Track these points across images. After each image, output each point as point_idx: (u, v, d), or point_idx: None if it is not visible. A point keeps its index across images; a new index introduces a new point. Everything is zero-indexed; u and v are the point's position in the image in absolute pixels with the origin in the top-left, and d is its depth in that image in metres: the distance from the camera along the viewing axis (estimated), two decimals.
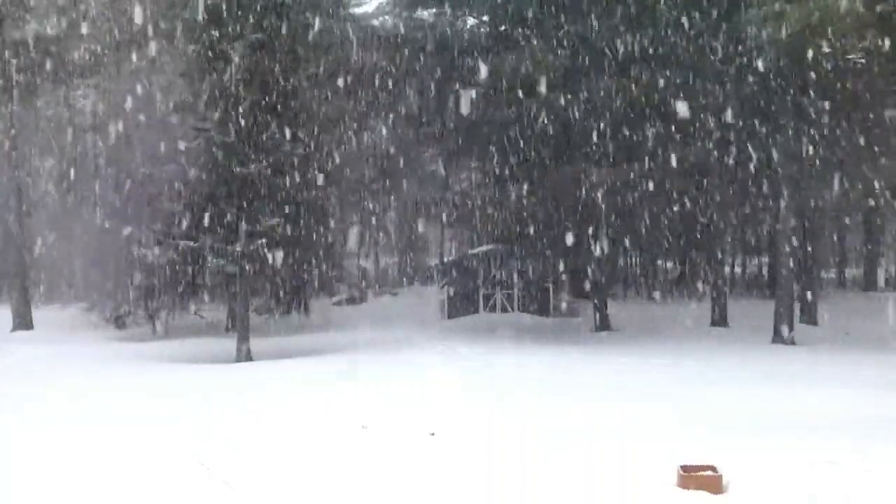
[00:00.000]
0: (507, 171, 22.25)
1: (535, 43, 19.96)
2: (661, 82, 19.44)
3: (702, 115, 20.64)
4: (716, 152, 21.87)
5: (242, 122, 16.79)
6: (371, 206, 32.97)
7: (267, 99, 16.99)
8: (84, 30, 22.27)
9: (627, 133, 20.47)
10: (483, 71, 19.38)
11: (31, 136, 26.68)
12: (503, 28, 22.53)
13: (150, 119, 19.54)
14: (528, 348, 18.21)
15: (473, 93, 20.08)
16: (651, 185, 20.08)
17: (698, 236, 27.42)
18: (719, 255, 24.46)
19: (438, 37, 22.99)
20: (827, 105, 19.07)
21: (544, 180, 20.99)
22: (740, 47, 18.84)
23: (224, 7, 17.00)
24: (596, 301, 23.01)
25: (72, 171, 24.95)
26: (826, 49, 16.18)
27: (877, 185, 20.18)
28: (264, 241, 16.57)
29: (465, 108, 19.45)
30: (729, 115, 19.83)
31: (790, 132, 19.43)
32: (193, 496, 6.10)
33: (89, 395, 11.46)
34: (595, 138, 20.16)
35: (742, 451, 7.10)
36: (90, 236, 22.81)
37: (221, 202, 16.89)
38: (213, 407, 10.23)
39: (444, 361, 15.75)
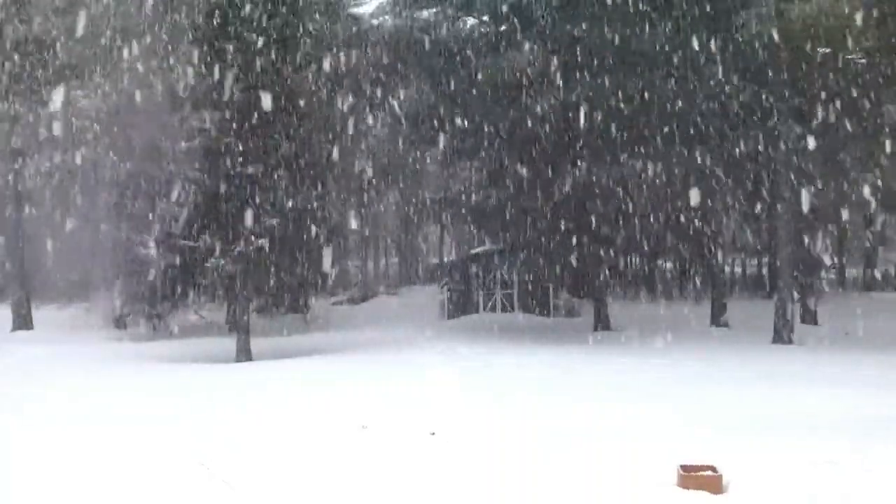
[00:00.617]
0: (506, 171, 22.25)
1: (534, 43, 19.97)
2: (661, 82, 19.44)
3: (702, 115, 20.63)
4: (716, 152, 21.85)
5: (242, 123, 16.80)
6: (371, 206, 32.98)
7: (267, 99, 16.99)
8: (84, 29, 22.25)
9: (627, 133, 20.46)
10: (483, 71, 19.39)
11: (31, 135, 26.66)
12: (503, 28, 22.52)
13: (150, 119, 19.52)
14: (528, 348, 18.22)
15: (473, 92, 20.10)
16: (651, 186, 20.08)
17: (698, 237, 27.42)
18: (719, 256, 24.47)
19: (438, 37, 22.98)
20: (826, 105, 19.07)
21: (544, 180, 20.99)
22: (740, 47, 18.83)
23: (224, 7, 17.02)
24: (596, 301, 23.01)
25: (72, 171, 24.92)
26: (826, 49, 16.19)
27: (878, 185, 20.19)
28: (264, 241, 16.58)
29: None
30: (729, 115, 19.83)
31: (790, 132, 19.43)
32: (193, 496, 6.10)
33: (89, 394, 11.46)
34: (595, 138, 20.17)
35: (742, 451, 7.10)
36: (90, 236, 22.80)
37: (221, 202, 16.89)
38: (213, 407, 10.23)
39: (444, 361, 15.75)
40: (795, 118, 19.54)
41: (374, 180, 31.63)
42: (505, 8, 21.52)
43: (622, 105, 19.93)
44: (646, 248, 27.37)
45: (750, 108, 20.86)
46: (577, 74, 19.99)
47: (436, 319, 26.02)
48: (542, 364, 15.28)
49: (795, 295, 21.22)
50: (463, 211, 25.28)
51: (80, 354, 17.82)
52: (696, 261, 32.24)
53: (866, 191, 19.47)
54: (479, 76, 20.71)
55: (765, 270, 36.18)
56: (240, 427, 8.83)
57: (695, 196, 19.01)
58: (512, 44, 20.63)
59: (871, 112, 19.79)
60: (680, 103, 19.32)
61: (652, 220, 22.15)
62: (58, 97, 22.02)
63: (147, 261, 17.49)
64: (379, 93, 24.48)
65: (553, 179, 20.62)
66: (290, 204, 17.22)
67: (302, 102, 17.86)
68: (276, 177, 17.02)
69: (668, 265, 36.90)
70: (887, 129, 19.36)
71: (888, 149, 17.81)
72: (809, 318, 23.54)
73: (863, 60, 17.26)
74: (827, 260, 28.23)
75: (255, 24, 17.04)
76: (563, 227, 20.83)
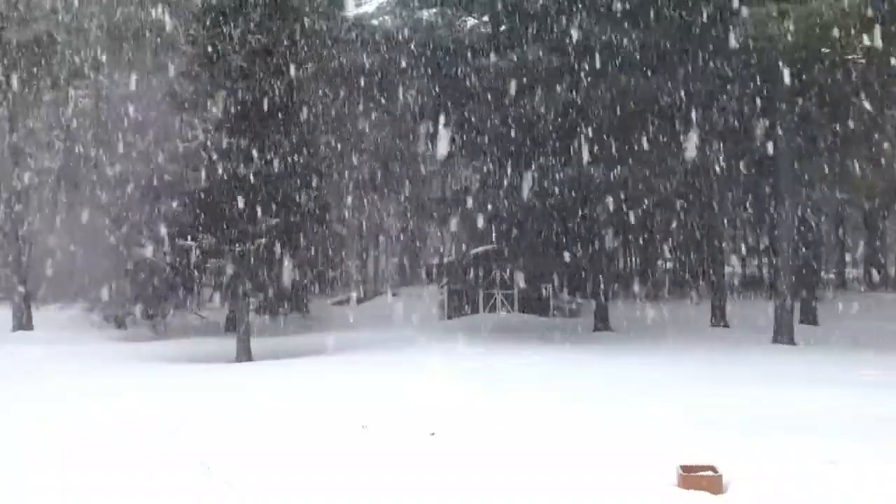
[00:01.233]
0: (506, 171, 22.25)
1: (534, 43, 19.96)
2: (661, 82, 19.44)
3: (702, 116, 20.65)
4: (716, 152, 21.87)
5: (243, 123, 16.81)
6: (371, 206, 32.97)
7: (267, 99, 17.00)
8: (84, 30, 22.29)
9: (627, 133, 20.49)
10: (483, 71, 19.39)
11: (31, 135, 26.69)
12: (503, 28, 22.53)
13: (150, 119, 19.55)
14: (528, 348, 18.21)
15: (473, 92, 20.10)
16: (651, 186, 20.10)
17: (698, 237, 27.46)
18: (719, 256, 24.47)
19: (438, 37, 22.98)
20: (827, 105, 19.09)
21: (544, 180, 21.00)
22: (741, 47, 18.85)
23: (224, 7, 17.02)
24: (596, 301, 23.01)
25: (72, 171, 24.96)
26: (826, 49, 16.20)
27: (878, 184, 20.22)
28: (264, 241, 16.58)
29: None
30: (729, 115, 19.85)
31: (790, 132, 19.43)
32: (194, 496, 6.10)
33: (89, 394, 11.45)
34: (595, 138, 20.16)
35: (742, 451, 7.10)
36: (90, 236, 22.81)
37: (221, 202, 16.90)
38: (213, 407, 10.22)
39: (444, 361, 15.74)
40: (797, 118, 19.53)
41: (374, 180, 31.66)
42: (505, 8, 21.53)
43: (622, 105, 19.96)
44: (646, 248, 27.43)
45: (751, 108, 20.89)
46: (577, 74, 19.99)
47: (436, 319, 26.02)
48: (542, 364, 15.27)
49: (795, 295, 21.23)
50: (463, 211, 25.27)
51: (80, 355, 17.80)
52: (696, 261, 32.31)
53: (867, 190, 19.50)
54: (479, 76, 20.71)
55: (765, 270, 36.18)
56: (240, 427, 8.82)
57: (695, 196, 19.00)
58: (512, 44, 20.63)
59: (871, 112, 19.81)
60: (680, 103, 19.32)
61: (651, 220, 22.17)
62: (58, 97, 22.03)
63: (147, 261, 17.50)
64: (379, 93, 24.45)
65: (553, 179, 20.62)
66: (290, 204, 17.22)
67: (302, 102, 17.87)
68: (276, 177, 17.02)
69: (669, 265, 36.91)
70: (890, 128, 19.36)
71: (889, 149, 17.85)
72: (809, 318, 23.53)
73: (863, 61, 17.26)
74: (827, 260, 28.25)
75: (255, 23, 17.04)
76: (562, 228, 20.84)
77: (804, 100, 19.56)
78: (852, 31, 15.49)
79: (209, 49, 17.11)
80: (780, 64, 17.83)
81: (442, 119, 21.69)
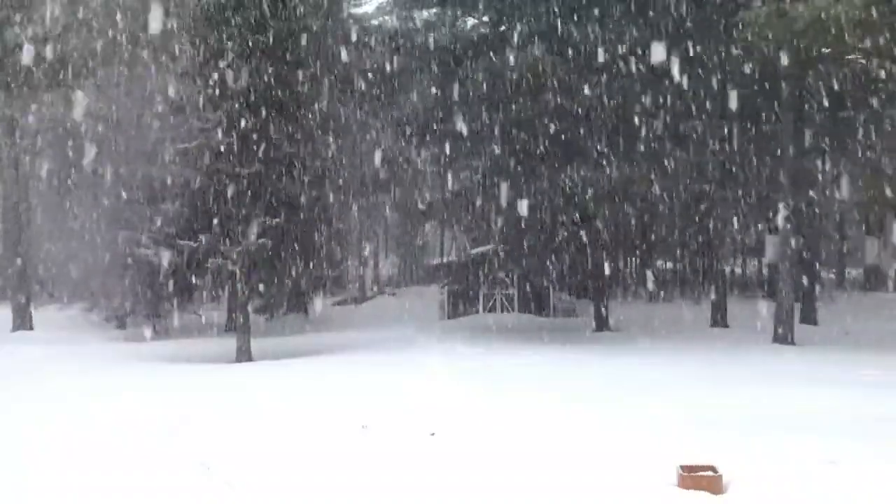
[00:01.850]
0: (506, 171, 22.26)
1: (534, 43, 19.96)
2: (661, 82, 19.43)
3: (702, 116, 20.64)
4: (716, 153, 21.87)
5: (243, 123, 16.81)
6: (371, 206, 32.96)
7: (267, 99, 17.00)
8: (84, 29, 22.26)
9: (627, 134, 20.47)
10: (483, 71, 19.38)
11: (32, 135, 26.68)
12: (503, 28, 22.54)
13: (150, 119, 19.55)
14: (528, 348, 18.21)
15: (473, 92, 20.09)
16: (651, 186, 20.09)
17: (698, 237, 27.45)
18: (719, 256, 24.48)
19: (438, 37, 23.00)
20: (827, 105, 19.10)
21: (544, 180, 21.01)
22: (740, 47, 18.85)
23: (224, 7, 17.02)
24: (596, 301, 23.01)
25: (72, 171, 24.95)
26: (826, 49, 16.19)
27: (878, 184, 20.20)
28: (264, 241, 16.58)
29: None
30: (729, 116, 19.84)
31: (791, 132, 19.43)
32: (194, 496, 6.10)
33: (89, 394, 11.45)
34: (595, 139, 20.16)
35: (742, 451, 7.10)
36: (90, 236, 22.83)
37: (221, 202, 16.90)
38: (213, 407, 10.23)
39: (444, 361, 15.75)
40: (797, 118, 19.54)
41: (374, 180, 31.62)
42: (505, 8, 21.54)
43: (622, 105, 19.96)
44: (646, 248, 27.42)
45: (751, 108, 20.89)
46: (577, 75, 20.00)
47: (436, 319, 26.02)
48: (542, 364, 15.27)
49: (795, 295, 21.22)
50: (463, 211, 25.28)
51: (80, 355, 17.81)
52: (697, 261, 32.30)
53: (867, 191, 19.50)
54: (479, 76, 20.71)
55: (765, 270, 36.15)
56: (240, 427, 8.82)
57: (695, 197, 19.01)
58: (512, 44, 20.63)
59: (871, 112, 19.82)
60: (680, 104, 19.31)
61: (652, 219, 22.17)
62: (58, 98, 22.01)
63: (147, 261, 17.50)
64: (379, 92, 24.47)
65: (553, 180, 20.63)
66: (290, 204, 17.23)
67: (302, 102, 17.88)
68: (276, 177, 17.02)
69: (669, 265, 36.89)
70: (889, 128, 19.37)
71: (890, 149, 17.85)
72: (809, 318, 23.53)
73: (862, 61, 17.26)
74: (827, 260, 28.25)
75: (255, 23, 17.05)
76: (562, 228, 20.83)
77: (804, 100, 19.56)
78: (852, 32, 15.47)
79: (209, 49, 17.10)
80: (780, 64, 17.83)
81: (442, 119, 21.69)
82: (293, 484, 6.37)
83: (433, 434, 8.17)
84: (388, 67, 23.31)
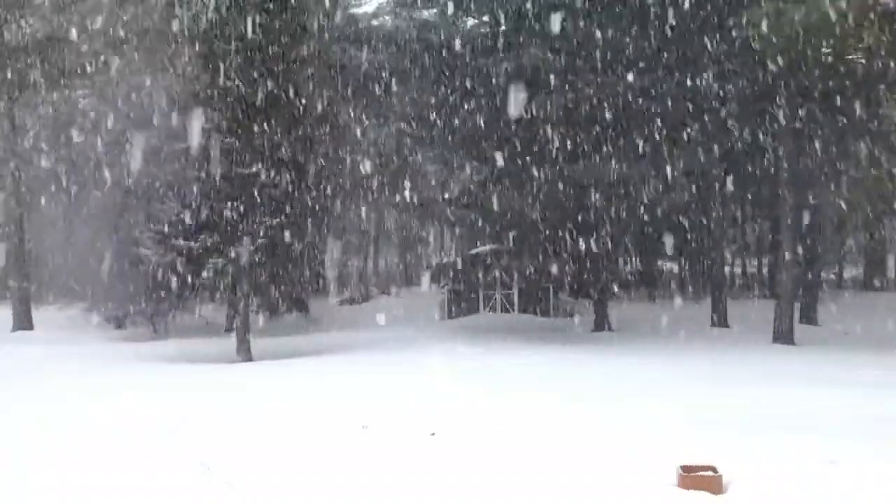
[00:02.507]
0: (506, 171, 22.26)
1: (534, 43, 19.96)
2: (662, 82, 19.44)
3: (702, 116, 20.64)
4: (716, 153, 21.86)
5: (242, 123, 16.81)
6: (371, 206, 32.93)
7: (267, 99, 16.99)
8: (84, 29, 22.27)
9: (627, 133, 20.47)
10: (482, 71, 19.37)
11: (31, 135, 26.69)
12: (503, 28, 22.52)
13: (150, 119, 19.54)
14: (528, 348, 18.21)
15: (473, 92, 20.09)
16: (651, 187, 20.08)
17: (699, 237, 27.43)
18: (719, 256, 24.46)
19: (438, 37, 22.98)
20: (827, 105, 19.08)
21: (544, 180, 21.00)
22: (741, 46, 18.85)
23: (224, 7, 17.02)
24: (596, 301, 22.99)
25: (72, 171, 24.96)
26: (826, 49, 16.18)
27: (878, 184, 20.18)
28: (264, 241, 16.57)
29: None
30: (729, 116, 19.84)
31: (790, 132, 19.42)
32: (194, 496, 6.10)
33: (89, 395, 11.45)
34: (595, 139, 20.16)
35: (743, 451, 7.10)
36: (90, 236, 22.83)
37: (221, 202, 16.90)
38: (213, 407, 10.23)
39: (444, 361, 15.75)
40: (796, 118, 19.52)
41: (374, 180, 31.61)
42: (504, 8, 21.53)
43: (622, 105, 19.95)
44: (646, 247, 27.40)
45: (752, 108, 20.89)
46: (577, 74, 19.99)
47: (436, 319, 26.01)
48: (542, 364, 15.27)
49: (796, 295, 21.22)
50: (462, 211, 25.27)
51: (80, 355, 17.81)
52: (697, 261, 32.30)
53: (867, 191, 19.49)
54: (479, 76, 20.70)
55: (765, 270, 36.15)
56: (240, 427, 8.83)
57: (695, 197, 19.00)
58: (512, 44, 20.62)
59: (871, 113, 19.81)
60: (681, 103, 19.30)
61: (652, 220, 22.14)
62: (58, 97, 22.01)
63: (147, 261, 17.50)
64: (379, 92, 24.44)
65: (553, 179, 20.62)
66: (290, 204, 17.23)
67: (302, 102, 17.87)
68: (276, 177, 17.02)
69: (669, 265, 36.89)
70: (893, 127, 19.36)
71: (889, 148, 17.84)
72: (809, 318, 23.52)
73: (863, 61, 17.24)
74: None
75: (255, 23, 17.04)
76: (562, 227, 20.82)
77: (804, 100, 19.54)
78: (852, 32, 15.47)
79: (209, 48, 17.10)
80: (780, 64, 17.82)
81: (443, 119, 21.69)
82: (293, 484, 6.37)
83: (433, 434, 8.17)
84: (387, 67, 23.31)
